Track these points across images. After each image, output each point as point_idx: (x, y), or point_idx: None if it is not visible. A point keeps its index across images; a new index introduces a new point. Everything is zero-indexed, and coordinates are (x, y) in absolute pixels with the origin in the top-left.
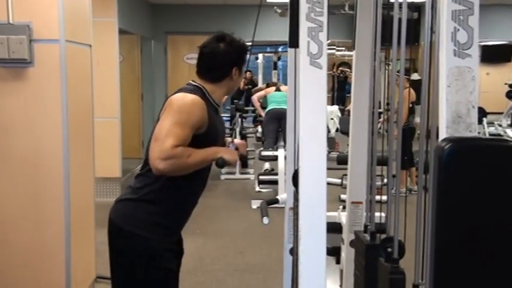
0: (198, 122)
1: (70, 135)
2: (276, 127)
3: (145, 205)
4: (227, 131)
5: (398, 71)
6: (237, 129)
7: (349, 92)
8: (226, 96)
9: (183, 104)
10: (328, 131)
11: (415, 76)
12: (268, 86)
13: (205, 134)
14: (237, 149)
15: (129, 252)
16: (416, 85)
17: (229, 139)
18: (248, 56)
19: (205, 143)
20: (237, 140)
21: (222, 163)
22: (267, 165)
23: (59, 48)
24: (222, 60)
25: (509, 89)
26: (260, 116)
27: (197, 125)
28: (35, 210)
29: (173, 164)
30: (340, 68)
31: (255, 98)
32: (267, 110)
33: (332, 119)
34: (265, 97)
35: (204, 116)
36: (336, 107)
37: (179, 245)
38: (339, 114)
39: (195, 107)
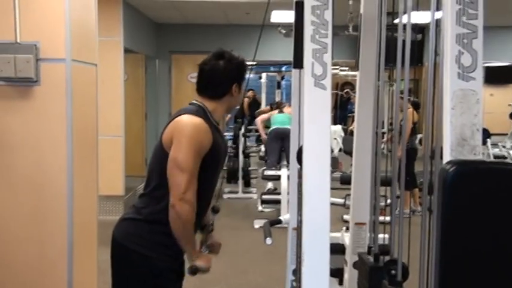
0: (205, 148)
1: (74, 153)
2: (279, 146)
3: (149, 225)
4: (231, 149)
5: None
6: (240, 148)
7: (351, 112)
8: (229, 116)
9: (194, 133)
10: (332, 151)
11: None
12: (271, 108)
13: (210, 154)
14: (211, 251)
15: (132, 272)
16: (414, 106)
17: (202, 238)
18: (248, 74)
19: (208, 163)
20: (212, 240)
21: (194, 270)
22: (270, 185)
23: (65, 67)
24: (222, 77)
25: None
26: (263, 139)
27: (204, 151)
28: (38, 228)
29: (185, 211)
30: (346, 90)
31: (258, 121)
32: (270, 129)
33: (335, 138)
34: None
35: (210, 140)
36: (339, 127)
37: (182, 266)
38: (342, 134)
39: (204, 136)
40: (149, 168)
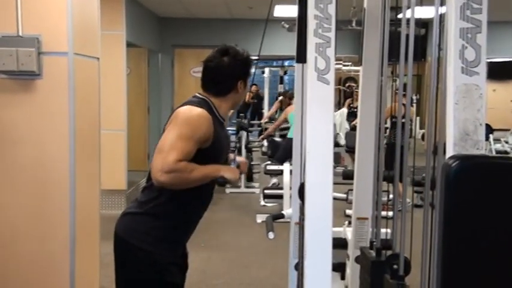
0: (203, 136)
1: (77, 147)
2: (290, 156)
3: (150, 219)
4: (232, 144)
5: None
6: (243, 143)
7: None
8: (232, 110)
9: (189, 117)
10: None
11: None
12: (282, 95)
13: (210, 148)
14: (238, 166)
15: (134, 266)
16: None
17: (231, 155)
18: (253, 69)
19: (210, 157)
20: (239, 158)
21: (223, 182)
22: (274, 180)
23: (67, 60)
24: (227, 74)
25: None
26: (271, 134)
27: (202, 139)
28: (40, 222)
29: (174, 178)
30: (348, 84)
31: (274, 127)
32: (289, 135)
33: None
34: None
35: (210, 130)
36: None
37: (184, 260)
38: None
39: (201, 121)
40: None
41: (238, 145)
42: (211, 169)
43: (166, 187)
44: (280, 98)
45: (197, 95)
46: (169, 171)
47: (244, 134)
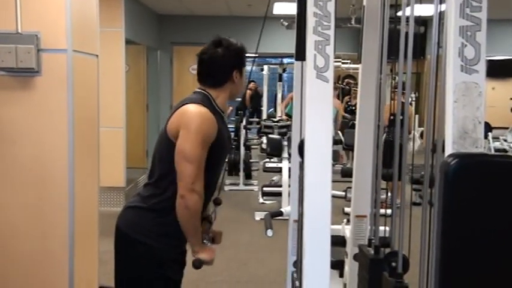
0: (212, 138)
1: (75, 144)
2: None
3: (153, 214)
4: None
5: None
6: (241, 143)
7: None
8: (231, 108)
9: (202, 122)
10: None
11: None
12: None
13: (215, 144)
14: (213, 239)
15: (135, 261)
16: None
17: (205, 227)
18: (251, 66)
19: (215, 151)
20: (213, 230)
21: (198, 264)
22: (275, 177)
23: (66, 58)
24: (221, 65)
25: None
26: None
27: (211, 140)
28: (39, 219)
29: (196, 203)
30: (346, 80)
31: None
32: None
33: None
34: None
35: (215, 131)
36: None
37: (183, 256)
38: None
39: (210, 125)
40: (154, 158)
41: (236, 144)
42: (197, 239)
43: (185, 202)
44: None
45: (197, 90)
46: (198, 194)
47: (242, 132)
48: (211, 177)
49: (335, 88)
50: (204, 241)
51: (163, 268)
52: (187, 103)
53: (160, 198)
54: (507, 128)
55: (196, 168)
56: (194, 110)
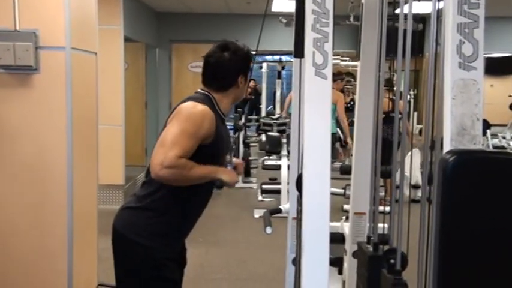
0: (205, 133)
1: (74, 142)
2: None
3: (148, 214)
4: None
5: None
6: (241, 138)
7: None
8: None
9: (192, 113)
10: None
11: None
12: None
13: (211, 145)
14: (235, 168)
15: (132, 261)
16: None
17: (228, 157)
18: (253, 64)
19: (210, 154)
20: (235, 159)
21: (220, 185)
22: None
23: (65, 55)
24: (227, 70)
25: None
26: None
27: (204, 136)
28: (38, 217)
29: (174, 174)
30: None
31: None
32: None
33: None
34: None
35: (212, 128)
36: None
37: (182, 255)
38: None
39: (204, 118)
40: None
41: (235, 146)
42: (209, 170)
43: (164, 182)
44: None
45: (199, 90)
46: (169, 167)
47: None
48: (207, 182)
49: (341, 79)
50: (228, 165)
51: (160, 268)
52: (186, 101)
53: (154, 196)
54: (505, 125)
55: (164, 149)
56: (189, 105)
